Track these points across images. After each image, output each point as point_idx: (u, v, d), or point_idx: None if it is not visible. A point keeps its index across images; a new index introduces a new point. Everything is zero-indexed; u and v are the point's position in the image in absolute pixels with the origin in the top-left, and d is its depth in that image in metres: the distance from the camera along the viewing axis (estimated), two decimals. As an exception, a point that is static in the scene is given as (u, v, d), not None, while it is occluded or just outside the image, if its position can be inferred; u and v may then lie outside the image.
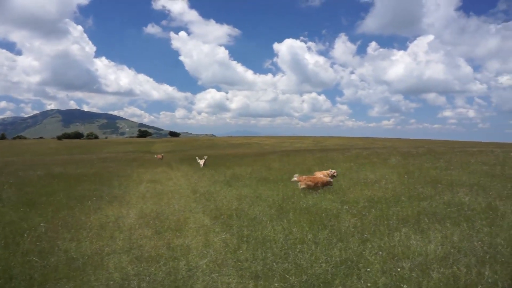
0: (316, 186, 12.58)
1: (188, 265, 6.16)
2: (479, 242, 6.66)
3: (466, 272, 5.42)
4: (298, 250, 6.68)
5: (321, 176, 13.28)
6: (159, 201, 12.00)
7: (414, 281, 5.21)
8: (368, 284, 5.20)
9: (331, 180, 13.14)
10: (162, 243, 7.38)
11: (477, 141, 70.63)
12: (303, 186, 12.63)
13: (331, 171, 13.87)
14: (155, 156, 25.79)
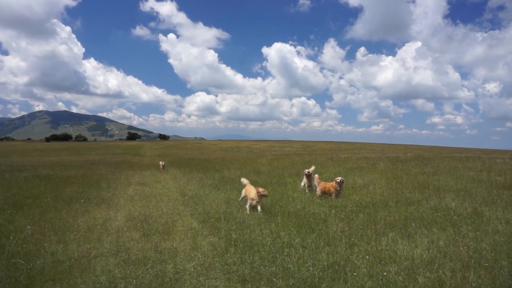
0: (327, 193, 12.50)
1: (176, 268, 6.16)
2: (465, 247, 6.74)
3: (451, 276, 5.49)
4: (285, 253, 6.70)
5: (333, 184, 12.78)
6: (147, 203, 11.96)
7: (400, 285, 5.26)
8: None
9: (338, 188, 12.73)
10: (149, 246, 7.36)
11: (464, 147, 71.29)
12: (319, 193, 12.55)
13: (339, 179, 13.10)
14: (160, 163, 25.43)
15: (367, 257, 6.36)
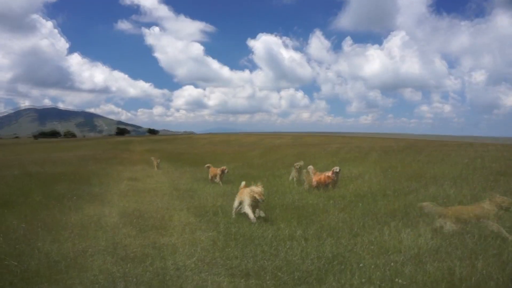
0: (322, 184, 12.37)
1: (176, 264, 5.95)
2: (469, 235, 6.63)
3: (460, 264, 5.37)
4: (288, 246, 6.54)
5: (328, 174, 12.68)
6: (141, 199, 11.74)
7: (408, 275, 5.13)
8: (363, 280, 5.09)
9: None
10: (147, 242, 7.15)
11: (454, 135, 71.74)
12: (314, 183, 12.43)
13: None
14: (152, 158, 24.47)
15: (372, 247, 6.22)
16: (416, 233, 6.92)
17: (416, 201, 9.47)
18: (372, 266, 5.50)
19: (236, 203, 9.08)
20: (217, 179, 15.20)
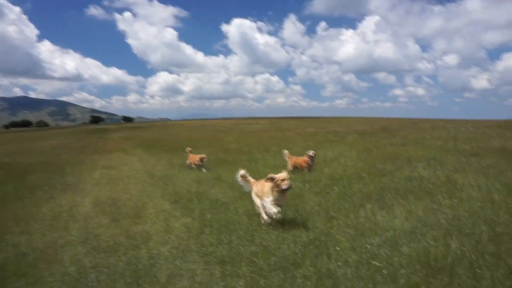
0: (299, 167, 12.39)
1: (150, 253, 5.83)
2: (443, 215, 6.70)
3: (435, 245, 5.40)
4: (263, 231, 6.49)
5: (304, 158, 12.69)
6: (115, 187, 11.50)
7: (384, 257, 5.13)
8: (339, 263, 5.06)
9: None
10: (120, 231, 7.00)
11: (428, 118, 72.85)
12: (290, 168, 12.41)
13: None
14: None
15: (348, 230, 6.20)
16: (391, 215, 6.96)
17: (391, 183, 9.54)
18: (349, 249, 5.50)
19: (258, 202, 7.27)
20: (196, 166, 14.90)
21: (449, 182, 9.20)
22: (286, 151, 13.15)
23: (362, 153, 15.44)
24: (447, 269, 4.69)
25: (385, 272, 4.72)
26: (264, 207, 6.95)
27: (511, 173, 9.91)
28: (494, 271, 4.60)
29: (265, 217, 6.93)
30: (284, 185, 6.60)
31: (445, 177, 9.81)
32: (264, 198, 6.92)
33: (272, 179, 6.70)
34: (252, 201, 7.57)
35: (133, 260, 5.58)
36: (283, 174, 6.70)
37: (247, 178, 7.88)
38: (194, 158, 15.14)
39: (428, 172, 10.48)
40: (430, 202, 7.70)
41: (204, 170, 14.21)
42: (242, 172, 7.87)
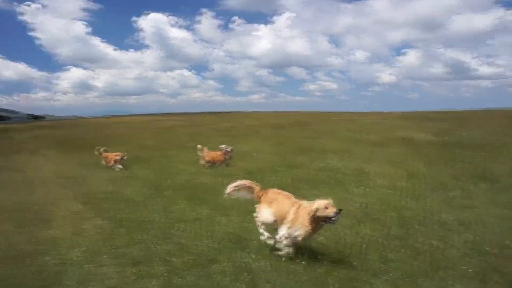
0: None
1: (59, 259, 5.54)
2: (356, 204, 7.14)
3: (348, 233, 5.73)
4: (179, 229, 6.48)
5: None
6: (20, 191, 10.78)
7: (303, 246, 5.29)
8: (253, 256, 5.20)
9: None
10: (25, 238, 6.57)
11: (340, 111, 75.59)
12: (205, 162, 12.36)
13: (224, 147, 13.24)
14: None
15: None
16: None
17: (305, 175, 9.89)
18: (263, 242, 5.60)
19: (284, 233, 5.10)
20: (113, 165, 14.19)
21: (359, 172, 9.74)
22: (200, 146, 13.11)
23: (276, 147, 15.83)
24: (361, 255, 4.97)
25: (304, 263, 4.88)
26: (282, 239, 5.13)
27: (413, 161, 10.69)
28: (400, 253, 4.97)
29: (285, 251, 5.13)
30: (332, 215, 4.80)
31: (355, 167, 10.40)
32: (290, 227, 5.06)
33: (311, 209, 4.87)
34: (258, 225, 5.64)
35: (40, 268, 5.27)
36: (325, 202, 4.89)
37: (252, 187, 5.85)
38: (111, 156, 14.57)
39: (339, 163, 10.98)
40: (342, 191, 8.11)
41: (122, 169, 13.70)
42: (247, 183, 5.89)
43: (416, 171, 10.13)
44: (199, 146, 13.19)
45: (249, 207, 7.32)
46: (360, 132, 19.44)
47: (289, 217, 5.04)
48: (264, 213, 5.37)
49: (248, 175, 10.31)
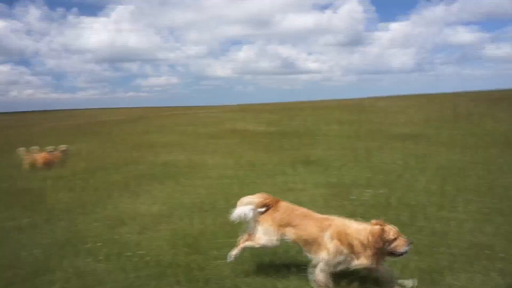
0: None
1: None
2: (186, 195, 7.39)
3: (182, 224, 5.88)
4: (10, 238, 5.68)
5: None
6: None
7: (139, 244, 5.19)
8: (87, 260, 4.77)
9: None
10: None
11: (172, 106, 75.09)
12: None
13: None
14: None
15: (95, 224, 6.12)
16: (137, 202, 7.29)
17: (135, 171, 9.87)
18: (100, 242, 5.25)
19: (331, 260, 3.69)
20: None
21: (190, 164, 10.09)
22: (22, 149, 11.80)
23: (105, 144, 15.41)
24: (195, 245, 5.00)
25: (148, 258, 4.67)
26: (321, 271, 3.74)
27: (246, 150, 11.50)
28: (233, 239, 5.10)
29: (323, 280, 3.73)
30: (403, 248, 3.60)
31: (186, 160, 10.71)
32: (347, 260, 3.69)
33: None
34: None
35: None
36: (393, 229, 3.64)
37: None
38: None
39: (170, 157, 11.21)
40: (174, 184, 8.33)
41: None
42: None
43: (248, 160, 10.77)
44: (21, 149, 11.74)
45: (80, 210, 6.89)
46: (194, 125, 20.06)
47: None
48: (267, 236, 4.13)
49: (82, 175, 9.80)
